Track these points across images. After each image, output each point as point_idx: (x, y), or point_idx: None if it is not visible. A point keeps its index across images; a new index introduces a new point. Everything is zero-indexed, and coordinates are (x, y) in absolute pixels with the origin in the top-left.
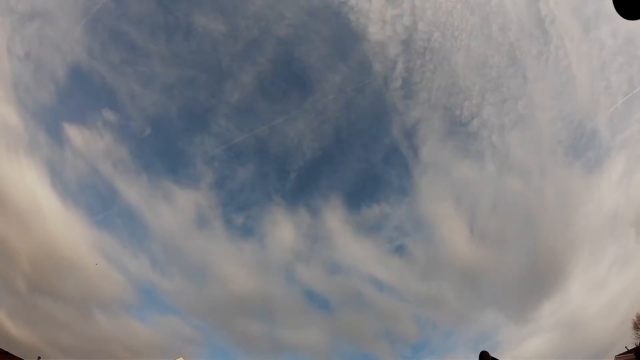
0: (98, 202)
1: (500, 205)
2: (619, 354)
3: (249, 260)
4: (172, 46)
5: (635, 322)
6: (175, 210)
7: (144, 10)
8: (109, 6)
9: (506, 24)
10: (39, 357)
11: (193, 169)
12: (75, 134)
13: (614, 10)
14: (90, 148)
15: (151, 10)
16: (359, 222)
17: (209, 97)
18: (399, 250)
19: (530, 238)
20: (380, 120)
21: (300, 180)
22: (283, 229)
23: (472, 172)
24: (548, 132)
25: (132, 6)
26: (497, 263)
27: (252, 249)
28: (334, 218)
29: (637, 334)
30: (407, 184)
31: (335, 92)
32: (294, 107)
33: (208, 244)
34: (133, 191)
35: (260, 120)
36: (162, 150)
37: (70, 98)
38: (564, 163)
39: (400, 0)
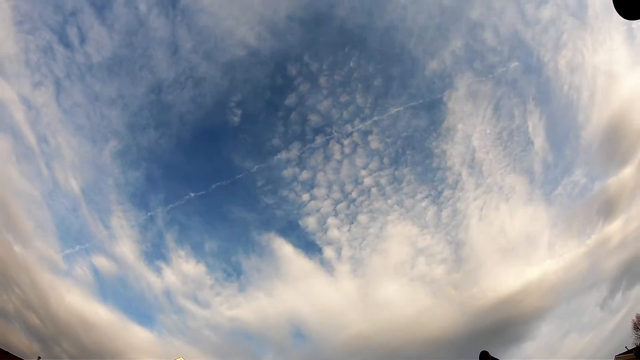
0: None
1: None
2: (619, 354)
3: None
4: (209, 226)
5: (635, 323)
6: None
7: (178, 194)
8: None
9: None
10: (39, 357)
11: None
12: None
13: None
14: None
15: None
16: None
17: (244, 259)
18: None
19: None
20: None
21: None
22: None
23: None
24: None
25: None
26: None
27: None
28: None
29: (637, 334)
30: None
31: None
32: None
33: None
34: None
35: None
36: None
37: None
38: None
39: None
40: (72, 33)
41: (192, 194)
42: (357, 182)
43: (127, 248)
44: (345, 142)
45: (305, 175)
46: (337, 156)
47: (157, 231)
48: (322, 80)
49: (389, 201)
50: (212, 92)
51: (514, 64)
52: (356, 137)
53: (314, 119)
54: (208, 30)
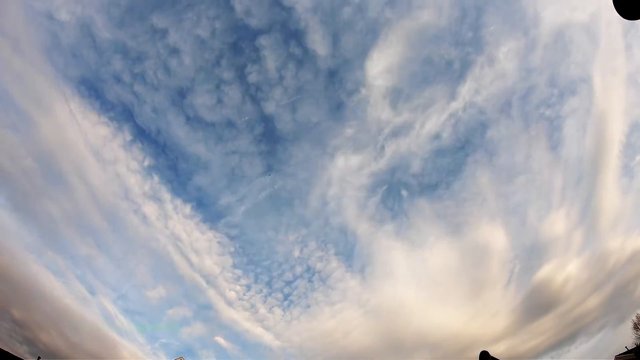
0: None
1: None
2: (619, 354)
3: None
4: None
5: (635, 322)
6: None
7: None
8: None
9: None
10: (39, 357)
11: None
12: None
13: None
14: None
15: None
16: None
17: None
18: None
19: None
20: None
21: None
22: None
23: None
24: None
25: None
26: None
27: None
28: None
29: (637, 334)
30: None
31: None
32: None
33: None
34: None
35: None
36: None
37: None
38: None
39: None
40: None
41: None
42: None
43: None
44: None
45: None
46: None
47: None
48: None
49: None
50: None
51: None
52: None
53: None
54: None
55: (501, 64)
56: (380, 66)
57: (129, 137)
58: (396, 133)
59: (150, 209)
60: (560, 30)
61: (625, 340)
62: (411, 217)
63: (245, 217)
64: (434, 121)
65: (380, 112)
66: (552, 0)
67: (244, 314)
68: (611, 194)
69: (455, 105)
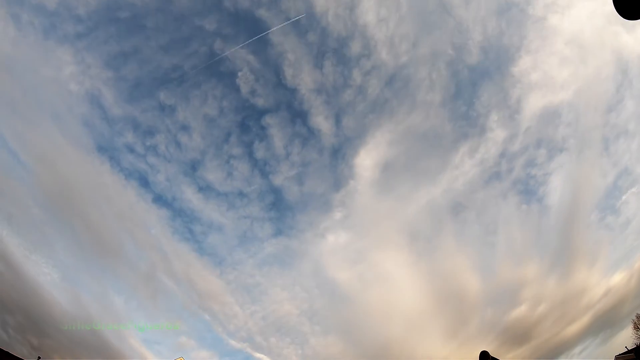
0: None
1: None
2: (619, 354)
3: None
4: None
5: (635, 322)
6: None
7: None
8: None
9: None
10: (39, 357)
11: None
12: None
13: None
14: None
15: None
16: None
17: None
18: None
19: None
20: None
21: None
22: None
23: None
24: None
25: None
26: None
27: None
28: None
29: (637, 334)
30: None
31: None
32: None
33: None
34: None
35: None
36: None
37: None
38: None
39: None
40: None
41: None
42: None
43: None
44: None
45: None
46: None
47: None
48: None
49: None
50: None
51: None
52: None
53: None
54: None
55: (493, 133)
56: (368, 161)
57: (141, 197)
58: (383, 215)
59: (156, 257)
60: (546, 107)
61: (625, 340)
62: (389, 266)
63: (249, 268)
64: (419, 201)
65: (367, 199)
66: (536, 85)
67: (243, 344)
68: (589, 237)
69: (437, 189)
